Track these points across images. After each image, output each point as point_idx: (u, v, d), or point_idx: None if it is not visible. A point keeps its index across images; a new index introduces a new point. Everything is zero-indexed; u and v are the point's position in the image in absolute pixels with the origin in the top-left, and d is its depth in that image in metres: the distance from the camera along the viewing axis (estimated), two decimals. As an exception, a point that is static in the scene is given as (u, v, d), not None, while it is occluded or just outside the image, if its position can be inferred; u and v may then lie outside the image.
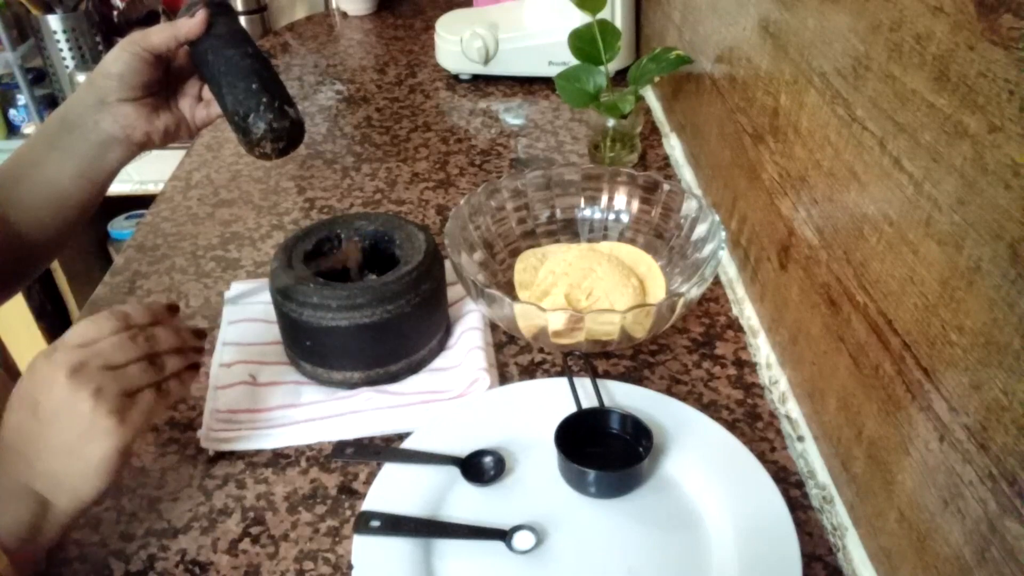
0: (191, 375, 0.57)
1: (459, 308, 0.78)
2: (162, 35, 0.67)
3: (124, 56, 0.67)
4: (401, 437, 0.65)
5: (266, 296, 0.71)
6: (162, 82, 0.71)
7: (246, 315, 0.78)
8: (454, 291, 0.78)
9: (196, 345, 0.58)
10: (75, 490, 0.51)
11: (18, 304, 1.78)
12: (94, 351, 0.51)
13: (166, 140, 0.74)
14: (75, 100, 0.70)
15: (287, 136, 0.64)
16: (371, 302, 0.66)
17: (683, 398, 0.68)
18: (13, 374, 0.82)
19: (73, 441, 0.50)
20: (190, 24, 0.67)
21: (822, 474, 0.62)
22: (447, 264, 0.76)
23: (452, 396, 0.69)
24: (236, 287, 0.82)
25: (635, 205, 0.84)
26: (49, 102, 1.93)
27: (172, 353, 0.55)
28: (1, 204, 0.71)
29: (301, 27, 1.64)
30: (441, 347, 0.74)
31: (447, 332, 0.75)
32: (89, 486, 0.51)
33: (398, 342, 0.69)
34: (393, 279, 0.67)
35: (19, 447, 0.50)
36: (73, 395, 0.49)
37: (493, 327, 0.77)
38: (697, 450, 0.62)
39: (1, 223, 0.71)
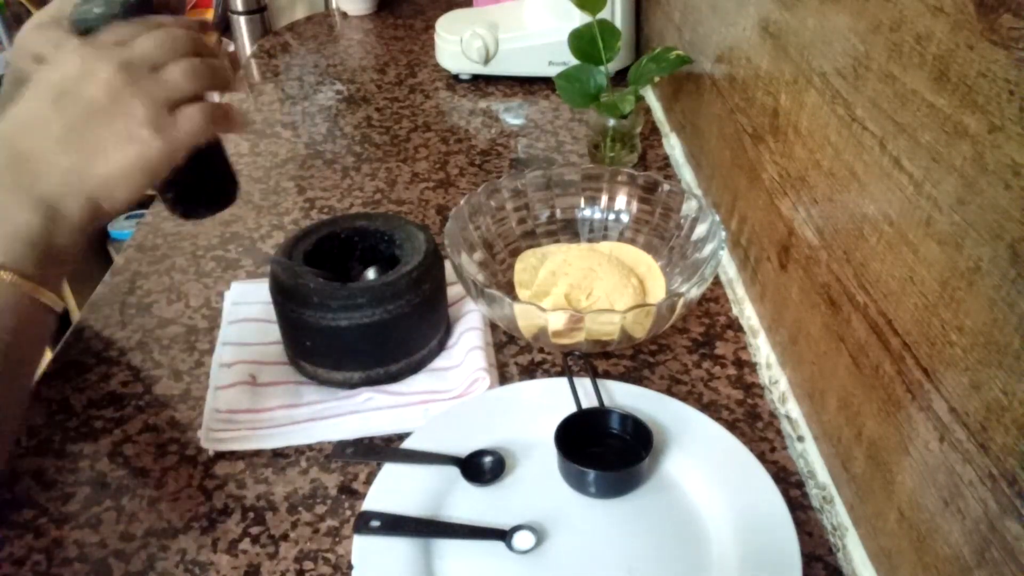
0: (237, 117, 0.49)
1: (459, 308, 0.78)
2: None
3: None
4: (401, 437, 0.65)
5: (266, 296, 0.71)
6: None
7: (246, 315, 0.78)
8: (454, 291, 0.77)
9: (227, 66, 0.50)
10: (91, 193, 0.45)
11: (18, 304, 1.78)
12: (135, 45, 0.45)
13: None
14: None
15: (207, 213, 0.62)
16: (371, 302, 0.66)
17: (683, 398, 0.68)
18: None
19: (106, 138, 0.44)
20: None
21: (822, 474, 0.62)
22: (447, 264, 0.76)
23: (452, 396, 0.69)
24: (236, 287, 0.82)
25: (635, 205, 0.84)
26: (49, 102, 1.93)
27: (207, 67, 0.47)
28: None
29: (301, 27, 1.64)
30: (441, 347, 0.74)
31: (447, 332, 0.75)
32: (107, 191, 0.45)
33: (398, 342, 0.69)
34: (393, 279, 0.67)
35: (26, 144, 0.45)
36: (116, 91, 0.44)
37: (493, 327, 0.77)
38: (697, 450, 0.62)
39: None
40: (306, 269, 0.68)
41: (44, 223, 0.45)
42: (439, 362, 0.73)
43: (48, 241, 0.45)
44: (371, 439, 0.66)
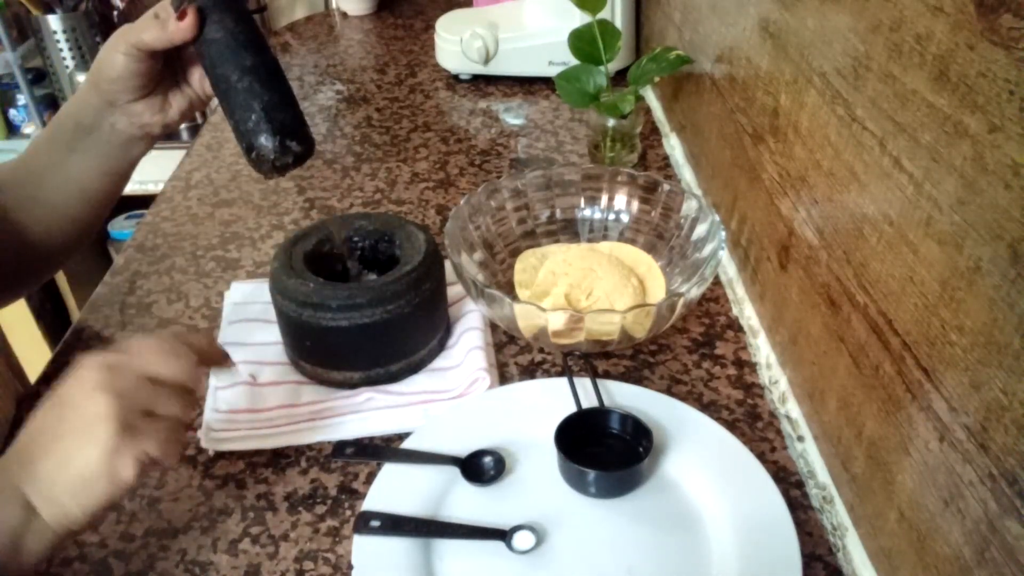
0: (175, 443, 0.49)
1: (459, 308, 0.78)
2: (152, 34, 0.63)
3: (119, 59, 0.65)
4: (401, 437, 0.65)
5: (266, 296, 0.71)
6: (165, 70, 0.69)
7: (246, 315, 0.78)
8: (454, 291, 0.78)
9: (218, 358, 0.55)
10: (62, 503, 0.46)
11: (18, 304, 1.78)
12: (146, 390, 0.48)
13: (184, 121, 0.73)
14: (83, 103, 0.69)
15: (291, 165, 0.61)
16: (371, 302, 0.65)
17: (683, 398, 0.68)
18: (16, 372, 0.82)
19: (76, 469, 0.45)
20: (178, 28, 0.61)
21: (822, 474, 0.62)
22: (447, 264, 0.76)
23: (452, 396, 0.69)
24: (236, 287, 0.82)
25: (635, 205, 0.84)
26: (49, 102, 1.93)
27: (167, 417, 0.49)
28: (12, 208, 0.71)
29: (301, 27, 1.64)
30: (441, 347, 0.74)
31: (447, 332, 0.75)
32: (75, 501, 0.46)
33: (398, 342, 0.69)
34: (393, 279, 0.67)
35: (26, 444, 0.47)
36: (100, 422, 0.46)
37: (493, 327, 0.77)
38: (697, 450, 0.62)
39: (13, 226, 0.71)
40: (306, 269, 0.68)
41: (22, 520, 0.46)
42: (439, 362, 0.73)
43: (19, 539, 0.46)
44: (371, 439, 0.66)
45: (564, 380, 0.67)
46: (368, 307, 0.65)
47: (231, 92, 0.60)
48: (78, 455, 0.45)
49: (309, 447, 0.66)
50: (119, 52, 0.65)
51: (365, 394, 0.69)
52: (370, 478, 0.61)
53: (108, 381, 0.47)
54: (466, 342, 0.73)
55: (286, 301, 0.67)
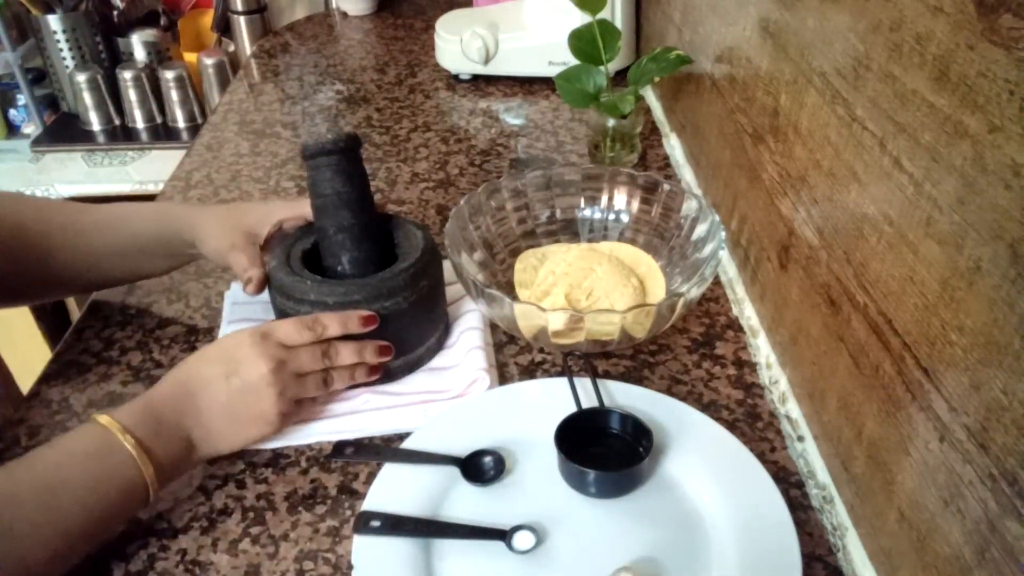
0: (367, 375, 0.67)
1: (458, 307, 0.78)
2: (238, 269, 0.70)
3: (212, 253, 0.73)
4: (401, 437, 0.65)
5: (265, 296, 0.71)
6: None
7: (246, 315, 0.78)
8: (453, 290, 0.77)
9: (373, 363, 0.67)
10: (218, 447, 0.61)
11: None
12: (293, 356, 0.62)
13: None
14: (172, 232, 0.74)
15: None
16: (367, 298, 0.65)
17: (683, 398, 0.68)
18: (4, 376, 0.82)
19: (243, 416, 0.60)
20: (249, 287, 0.69)
21: (822, 474, 0.62)
22: (447, 264, 0.76)
23: (451, 396, 0.69)
24: (236, 287, 0.82)
25: (635, 205, 0.84)
26: (49, 102, 1.93)
27: (347, 369, 0.66)
28: (59, 249, 0.72)
29: (301, 27, 1.64)
30: (440, 346, 0.74)
31: (446, 331, 0.75)
32: (228, 448, 0.61)
33: (395, 339, 0.68)
34: (389, 276, 0.67)
35: (201, 395, 0.59)
36: (266, 386, 0.60)
37: (493, 327, 0.77)
38: (697, 450, 0.62)
39: (51, 264, 0.72)
40: (303, 267, 0.69)
41: (181, 450, 0.58)
42: (438, 361, 0.73)
43: (178, 463, 0.59)
44: (371, 439, 0.66)
45: (564, 380, 0.67)
46: (364, 303, 0.65)
47: (325, 239, 0.69)
48: (243, 410, 0.60)
49: (309, 447, 0.66)
50: (223, 252, 0.72)
51: (363, 396, 0.68)
52: (370, 478, 0.61)
53: (264, 348, 0.61)
54: (465, 341, 0.73)
55: (283, 299, 0.67)
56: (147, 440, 0.55)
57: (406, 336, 0.69)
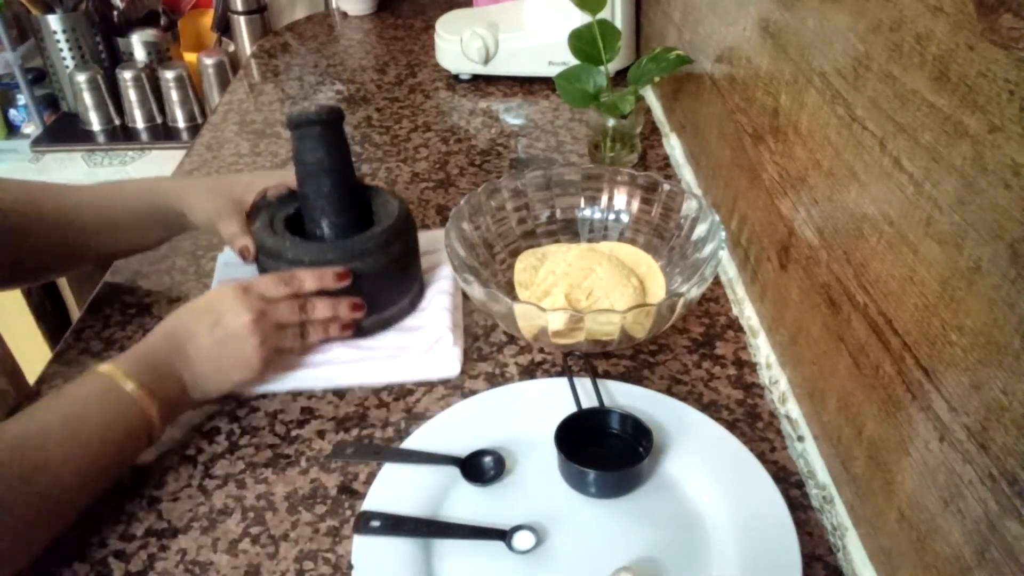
0: (339, 333, 0.72)
1: (435, 274, 0.82)
2: (236, 246, 0.76)
3: (205, 223, 0.78)
4: (401, 437, 0.65)
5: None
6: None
7: (235, 275, 0.80)
8: (432, 259, 0.82)
9: (346, 319, 0.71)
10: (207, 391, 0.66)
11: (18, 304, 1.78)
12: (274, 308, 0.67)
13: None
14: (164, 205, 0.78)
15: None
16: (341, 258, 0.71)
17: (683, 398, 0.68)
18: (11, 373, 0.82)
19: (228, 362, 0.65)
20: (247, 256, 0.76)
21: (822, 474, 0.62)
22: (428, 234, 0.84)
23: (418, 353, 0.73)
24: (230, 251, 0.85)
25: (635, 205, 0.84)
26: (49, 102, 1.93)
27: (322, 323, 0.70)
28: (57, 228, 0.75)
29: (301, 27, 1.64)
30: (412, 307, 0.78)
31: (420, 294, 0.80)
32: (216, 392, 0.66)
33: (368, 297, 0.72)
34: (363, 239, 0.72)
35: (188, 343, 0.64)
36: (248, 334, 0.65)
37: (494, 326, 0.77)
38: (697, 450, 0.62)
39: (46, 238, 0.75)
40: (285, 230, 0.73)
41: (177, 393, 0.63)
42: (409, 321, 0.77)
43: (173, 406, 0.64)
44: (371, 439, 0.66)
45: (564, 380, 0.67)
46: (338, 263, 0.70)
47: (306, 205, 0.74)
48: (227, 356, 0.65)
49: (309, 447, 0.66)
50: (212, 221, 0.77)
51: (337, 349, 0.73)
52: (370, 478, 0.61)
53: (245, 300, 0.65)
54: (436, 304, 0.77)
55: (265, 257, 0.73)
56: (146, 384, 0.60)
57: (378, 295, 0.74)
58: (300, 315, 0.69)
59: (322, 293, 0.70)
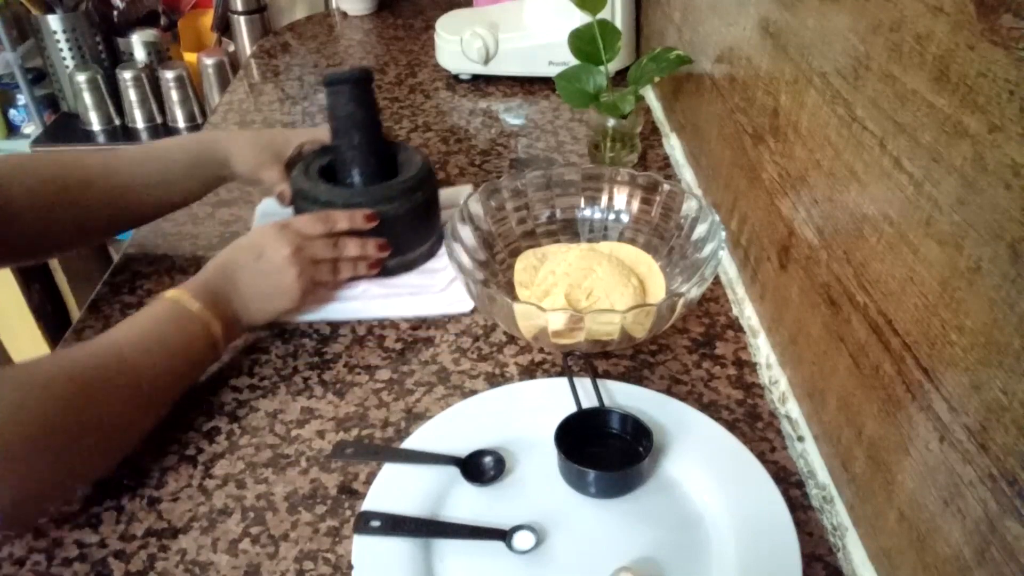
0: (368, 269, 0.80)
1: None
2: (277, 191, 0.87)
3: (245, 174, 0.86)
4: (401, 437, 0.65)
5: (291, 209, 0.84)
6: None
7: (273, 217, 0.86)
8: (447, 214, 0.85)
9: (372, 257, 0.80)
10: (254, 318, 0.73)
11: (18, 304, 1.79)
12: (310, 244, 0.75)
13: None
14: (207, 157, 0.85)
15: None
16: (369, 202, 0.79)
17: (683, 398, 0.68)
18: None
19: (271, 291, 0.73)
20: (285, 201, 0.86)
21: (822, 474, 0.62)
22: (448, 191, 0.94)
23: (436, 291, 0.81)
24: (267, 201, 0.95)
25: (635, 205, 0.84)
26: (49, 102, 1.93)
27: (352, 260, 0.79)
28: (104, 192, 0.80)
29: (301, 27, 1.64)
30: (432, 253, 0.86)
31: (439, 242, 0.86)
32: (262, 319, 0.74)
33: (392, 239, 0.80)
34: (389, 185, 0.80)
35: (236, 274, 0.71)
36: (287, 266, 0.72)
37: (493, 326, 0.77)
38: (697, 450, 0.62)
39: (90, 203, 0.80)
40: (319, 177, 0.81)
41: (231, 317, 0.71)
42: (430, 264, 0.85)
43: (230, 323, 0.71)
44: (371, 439, 0.66)
45: (564, 380, 0.67)
46: (366, 206, 0.78)
47: (339, 156, 0.83)
48: (270, 286, 0.73)
49: (309, 447, 0.66)
50: (254, 170, 0.86)
51: (363, 286, 0.81)
52: (370, 478, 0.61)
53: (285, 236, 0.73)
54: None
55: (301, 201, 0.81)
56: (209, 306, 0.68)
57: (402, 238, 0.81)
58: (333, 252, 0.76)
59: (352, 235, 0.78)
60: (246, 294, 0.71)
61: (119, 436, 0.61)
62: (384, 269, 0.81)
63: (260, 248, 0.73)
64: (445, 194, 0.89)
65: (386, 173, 0.83)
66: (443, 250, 0.82)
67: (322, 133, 0.87)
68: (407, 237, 0.82)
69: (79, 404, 0.57)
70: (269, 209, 0.93)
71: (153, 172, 0.82)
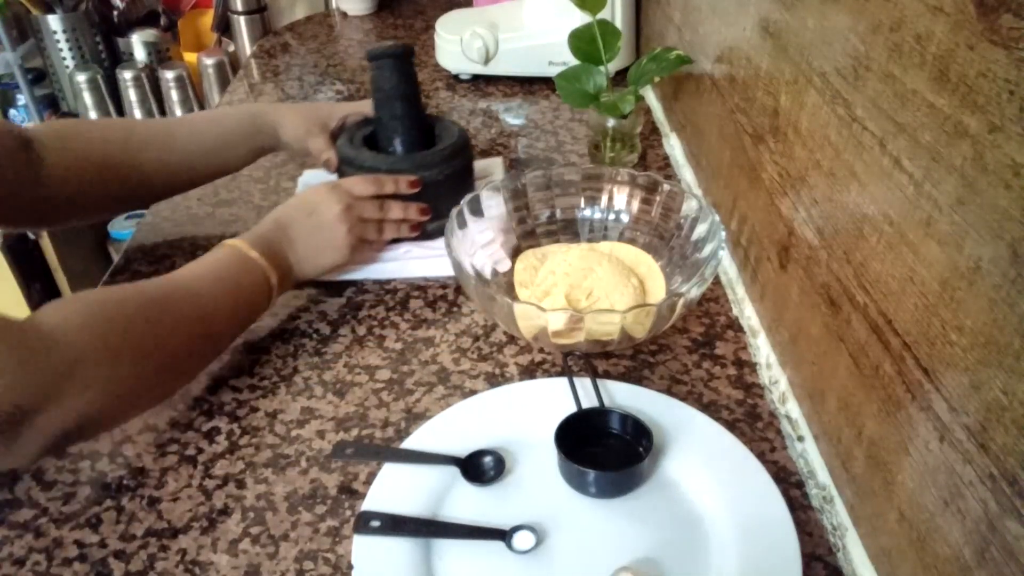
0: (408, 231, 0.86)
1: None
2: (323, 159, 0.91)
3: (295, 143, 0.92)
4: (401, 437, 0.65)
5: (334, 177, 0.89)
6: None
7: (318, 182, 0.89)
8: (482, 183, 0.88)
9: (414, 220, 0.85)
10: (305, 271, 0.78)
11: (18, 304, 1.79)
12: (359, 204, 0.80)
13: None
14: (259, 126, 0.90)
15: None
16: (411, 168, 0.85)
17: (683, 398, 0.68)
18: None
19: (323, 245, 0.78)
20: (330, 168, 0.92)
21: (822, 474, 0.62)
22: (480, 163, 0.99)
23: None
24: (308, 173, 1.04)
25: (635, 205, 0.84)
26: (49, 102, 1.93)
27: (395, 222, 0.84)
28: (175, 151, 0.85)
29: (301, 27, 1.64)
30: None
31: None
32: (313, 272, 0.79)
33: (433, 203, 0.85)
34: (429, 153, 0.86)
35: (290, 228, 0.76)
36: (338, 222, 0.78)
37: (493, 325, 0.77)
38: (697, 450, 0.62)
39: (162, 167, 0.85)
40: (363, 145, 0.88)
41: (286, 268, 0.76)
42: None
43: (285, 273, 0.75)
44: (371, 439, 0.66)
45: (564, 380, 0.67)
46: (408, 172, 0.84)
47: (381, 126, 0.90)
48: (321, 240, 0.78)
49: (309, 447, 0.66)
50: (302, 139, 0.92)
51: (405, 247, 0.87)
52: (370, 478, 0.61)
53: (337, 194, 0.79)
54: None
55: (347, 167, 0.87)
56: (266, 255, 0.72)
57: (440, 203, 0.84)
58: (379, 212, 0.82)
59: (396, 199, 0.83)
60: (299, 248, 0.76)
61: (184, 361, 0.65)
62: (424, 232, 0.86)
63: (313, 205, 0.78)
64: (478, 165, 0.95)
65: (425, 142, 0.89)
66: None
67: (364, 106, 0.93)
68: (446, 201, 0.83)
69: (151, 322, 0.61)
70: (312, 179, 1.00)
71: (213, 140, 0.87)
